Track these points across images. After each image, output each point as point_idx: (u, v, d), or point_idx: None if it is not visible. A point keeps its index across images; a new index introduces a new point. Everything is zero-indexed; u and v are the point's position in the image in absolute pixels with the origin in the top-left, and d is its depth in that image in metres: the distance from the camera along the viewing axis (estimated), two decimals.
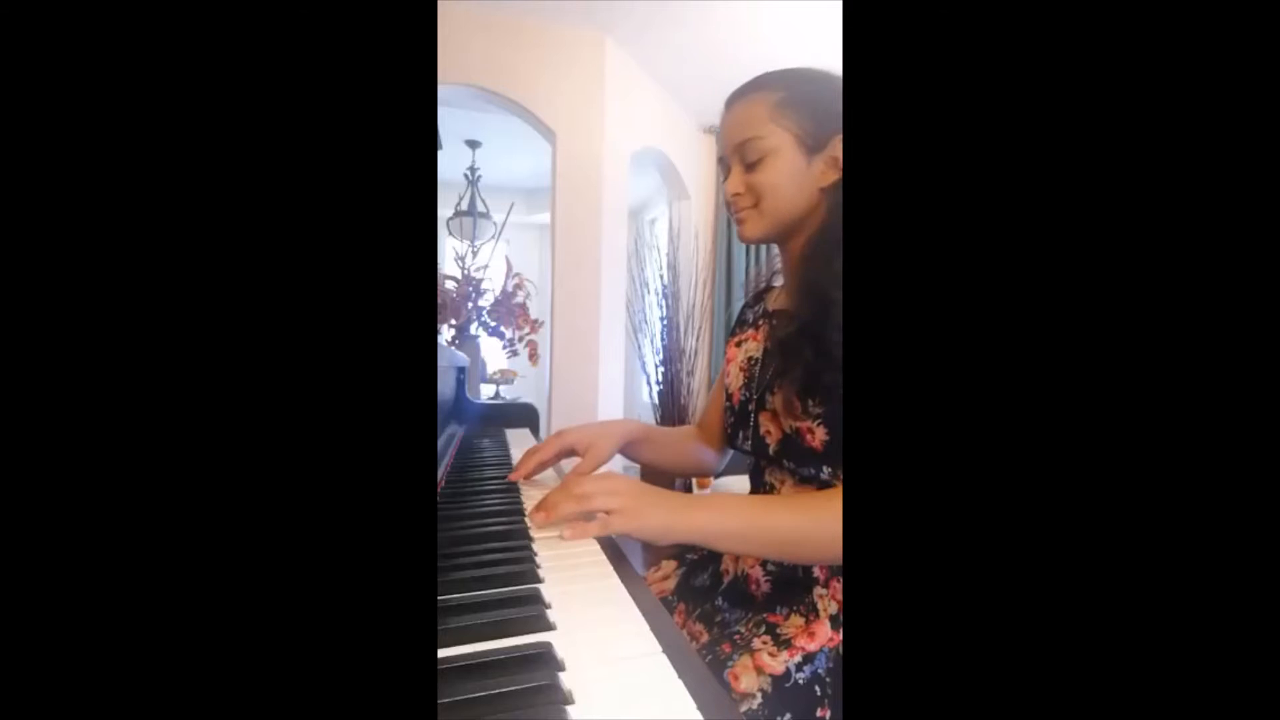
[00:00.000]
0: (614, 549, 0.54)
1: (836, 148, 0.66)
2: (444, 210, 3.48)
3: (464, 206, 3.50)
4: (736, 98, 0.70)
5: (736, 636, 0.64)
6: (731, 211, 0.72)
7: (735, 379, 0.78)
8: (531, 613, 0.39)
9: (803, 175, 0.67)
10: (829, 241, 0.64)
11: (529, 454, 0.78)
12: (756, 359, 0.76)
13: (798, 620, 0.63)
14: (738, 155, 0.68)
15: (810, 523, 0.55)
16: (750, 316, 0.83)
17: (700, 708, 0.29)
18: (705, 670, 0.33)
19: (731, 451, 0.85)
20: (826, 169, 0.67)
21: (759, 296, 0.85)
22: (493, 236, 2.90)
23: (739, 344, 0.81)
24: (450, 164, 3.62)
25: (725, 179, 0.71)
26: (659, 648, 0.35)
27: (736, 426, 0.76)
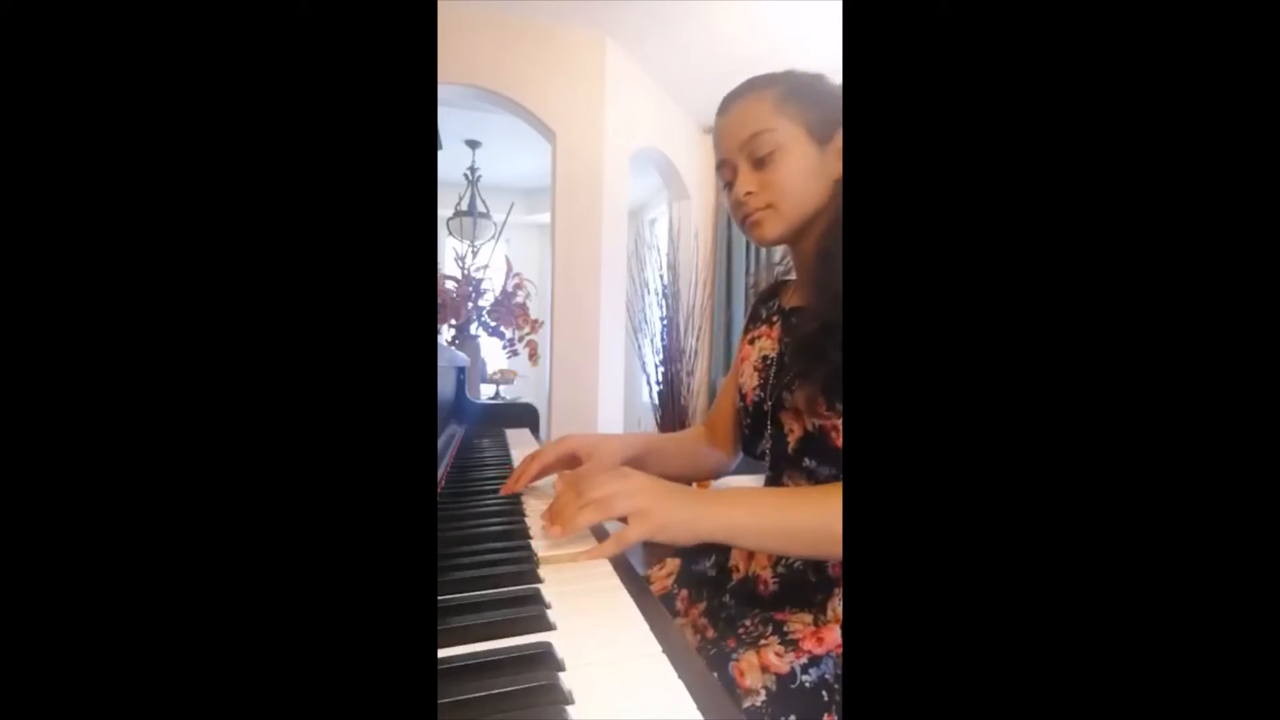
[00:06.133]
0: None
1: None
2: (444, 210, 3.49)
3: (464, 206, 3.50)
4: (733, 99, 0.67)
5: (742, 630, 0.63)
6: (742, 214, 0.67)
7: (750, 378, 0.74)
8: (531, 613, 0.39)
9: (817, 167, 0.63)
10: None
11: (528, 460, 0.74)
12: (772, 358, 0.73)
13: (805, 618, 0.61)
14: (745, 153, 0.65)
15: (835, 517, 0.52)
16: (764, 312, 0.79)
17: (700, 708, 0.29)
18: (705, 670, 0.33)
19: (742, 455, 0.82)
20: (837, 160, 0.64)
21: (773, 291, 0.81)
22: (493, 236, 2.90)
23: (753, 341, 0.77)
24: (450, 164, 3.62)
25: (728, 183, 0.68)
26: (659, 648, 0.35)
27: (754, 428, 0.73)
